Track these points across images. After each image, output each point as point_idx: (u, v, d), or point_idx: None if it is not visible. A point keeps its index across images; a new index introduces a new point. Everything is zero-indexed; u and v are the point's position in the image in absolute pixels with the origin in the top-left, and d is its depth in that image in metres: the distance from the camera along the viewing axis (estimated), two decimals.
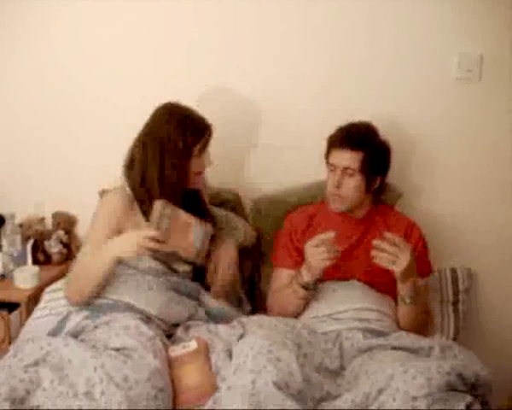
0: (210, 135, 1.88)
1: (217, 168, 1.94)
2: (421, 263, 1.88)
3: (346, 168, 1.87)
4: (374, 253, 1.71)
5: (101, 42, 2.29)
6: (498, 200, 2.18)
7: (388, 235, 1.72)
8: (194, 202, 1.94)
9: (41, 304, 1.96)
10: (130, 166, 1.87)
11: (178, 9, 2.21)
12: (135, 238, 1.68)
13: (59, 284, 2.03)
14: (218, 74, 2.23)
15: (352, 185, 1.88)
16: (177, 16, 2.22)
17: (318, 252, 1.74)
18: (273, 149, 2.24)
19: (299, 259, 1.89)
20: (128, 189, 1.86)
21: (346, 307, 1.81)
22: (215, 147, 1.91)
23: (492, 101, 2.12)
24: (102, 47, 2.29)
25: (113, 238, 1.75)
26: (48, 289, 2.01)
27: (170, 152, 1.80)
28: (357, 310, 1.81)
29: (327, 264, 1.75)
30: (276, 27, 2.17)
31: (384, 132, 1.95)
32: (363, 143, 1.87)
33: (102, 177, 2.22)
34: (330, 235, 1.74)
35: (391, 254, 1.69)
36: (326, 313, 1.83)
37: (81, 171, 2.38)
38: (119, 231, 1.79)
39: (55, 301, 1.93)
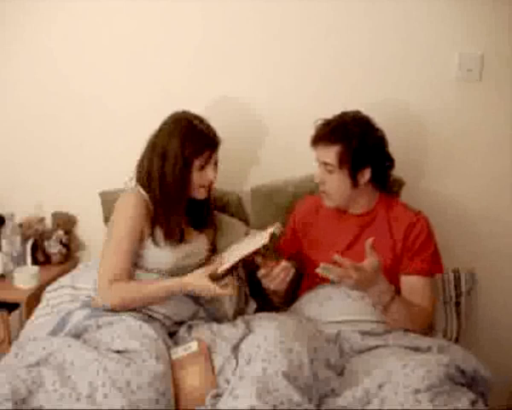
0: (214, 151, 1.85)
1: (219, 171, 1.93)
2: (420, 262, 1.81)
3: (325, 164, 1.81)
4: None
5: (101, 43, 2.29)
6: (498, 200, 2.18)
7: (337, 257, 1.60)
8: (199, 208, 1.95)
9: (42, 303, 1.95)
10: (139, 166, 1.88)
11: (179, 11, 2.21)
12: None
13: (60, 282, 2.02)
14: (219, 77, 2.23)
15: (334, 182, 1.81)
16: (178, 18, 2.22)
17: (271, 279, 1.74)
18: (274, 151, 2.24)
19: (293, 239, 1.95)
20: (141, 190, 1.87)
21: (342, 318, 1.79)
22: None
23: (493, 101, 2.11)
24: (103, 49, 2.29)
25: (187, 277, 1.73)
26: (49, 288, 2.00)
27: (171, 162, 1.80)
28: (353, 322, 1.78)
29: (285, 285, 1.75)
30: (278, 28, 2.17)
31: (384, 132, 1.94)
32: (338, 136, 1.79)
33: (102, 177, 2.23)
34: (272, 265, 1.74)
35: (337, 275, 1.61)
36: (322, 321, 1.81)
37: (81, 171, 2.38)
38: (141, 233, 1.81)
39: (55, 299, 1.92)
